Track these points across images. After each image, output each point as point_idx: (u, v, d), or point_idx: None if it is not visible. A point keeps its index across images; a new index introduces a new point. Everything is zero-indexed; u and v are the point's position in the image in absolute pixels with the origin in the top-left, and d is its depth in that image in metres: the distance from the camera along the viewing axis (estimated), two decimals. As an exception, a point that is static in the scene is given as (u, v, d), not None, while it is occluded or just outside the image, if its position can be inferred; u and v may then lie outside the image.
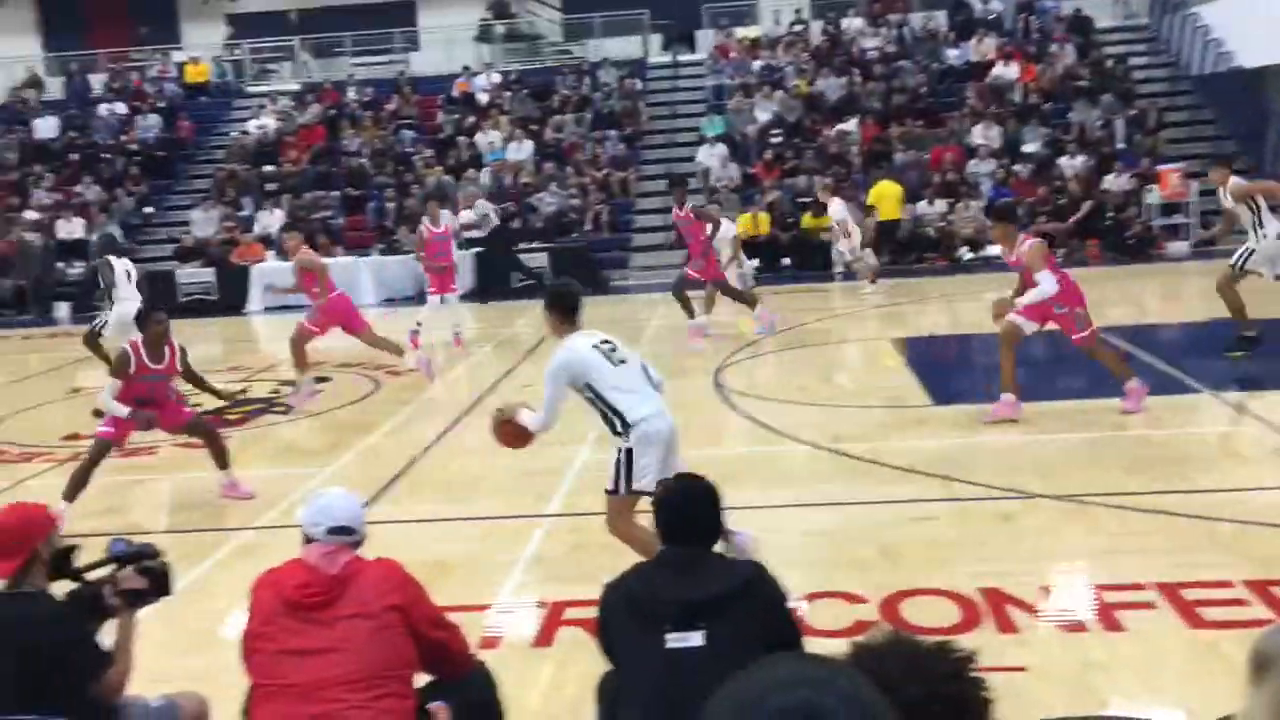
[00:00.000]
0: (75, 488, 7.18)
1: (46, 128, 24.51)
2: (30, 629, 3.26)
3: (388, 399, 10.95)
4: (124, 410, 7.27)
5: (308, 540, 3.35)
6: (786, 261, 18.89)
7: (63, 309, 19.99)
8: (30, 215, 21.55)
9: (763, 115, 21.85)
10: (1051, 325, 8.40)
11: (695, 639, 3.05)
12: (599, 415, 5.34)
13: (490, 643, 4.92)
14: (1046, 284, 8.06)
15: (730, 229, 14.33)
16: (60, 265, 20.75)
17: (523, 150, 21.92)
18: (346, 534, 3.35)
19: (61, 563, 3.46)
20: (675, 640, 3.06)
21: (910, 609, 5.07)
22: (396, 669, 3.18)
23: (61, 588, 3.53)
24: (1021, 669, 4.32)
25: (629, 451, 5.21)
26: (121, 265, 11.63)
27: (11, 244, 20.40)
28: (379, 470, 8.04)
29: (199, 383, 7.96)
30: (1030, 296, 8.13)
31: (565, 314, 5.47)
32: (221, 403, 9.01)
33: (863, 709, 1.03)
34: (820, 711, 1.01)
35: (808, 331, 13.51)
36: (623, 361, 5.33)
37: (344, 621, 3.15)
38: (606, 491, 5.37)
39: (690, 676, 2.96)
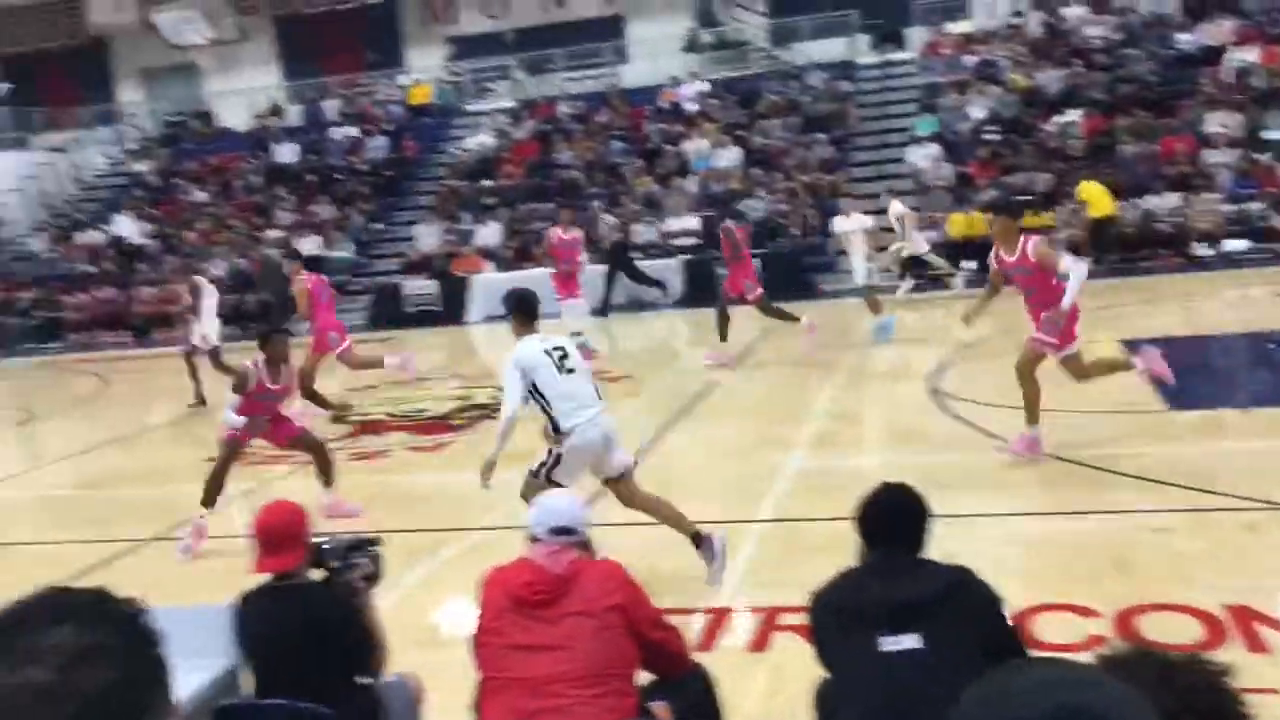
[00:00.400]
0: (213, 493, 7.37)
1: (286, 152, 26.22)
2: (321, 616, 3.52)
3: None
4: (243, 422, 7.54)
5: (533, 540, 3.47)
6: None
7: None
8: (273, 234, 23.15)
9: (977, 112, 21.16)
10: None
11: (910, 641, 3.00)
12: (540, 411, 5.77)
13: (705, 646, 4.96)
14: (1075, 269, 7.31)
15: (862, 222, 13.77)
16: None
17: (730, 157, 21.97)
18: (569, 534, 3.45)
19: (317, 555, 3.71)
20: (890, 643, 3.02)
21: (1148, 624, 4.80)
22: (619, 667, 3.25)
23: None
24: (1276, 691, 4.02)
25: (559, 456, 5.72)
26: (208, 286, 13.03)
27: (256, 262, 21.94)
28: (595, 474, 8.19)
29: (315, 397, 8.03)
30: (1069, 295, 7.29)
31: (524, 319, 6.04)
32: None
33: (1138, 712, 0.98)
34: (1099, 713, 0.97)
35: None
36: (570, 371, 5.76)
37: (569, 619, 3.24)
38: (530, 471, 5.78)
39: (910, 678, 2.93)
